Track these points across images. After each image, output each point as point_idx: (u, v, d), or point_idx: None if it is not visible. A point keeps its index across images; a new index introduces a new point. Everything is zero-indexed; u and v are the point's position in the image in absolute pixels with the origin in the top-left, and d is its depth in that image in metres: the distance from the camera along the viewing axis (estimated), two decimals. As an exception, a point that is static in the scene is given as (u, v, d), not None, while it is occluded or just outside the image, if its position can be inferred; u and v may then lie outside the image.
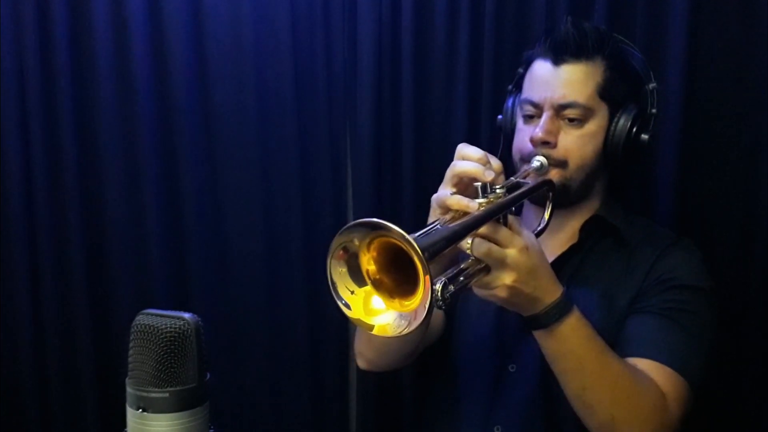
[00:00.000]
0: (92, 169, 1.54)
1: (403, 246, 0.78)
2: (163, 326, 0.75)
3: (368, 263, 0.85)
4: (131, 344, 0.77)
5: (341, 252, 0.83)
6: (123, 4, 1.48)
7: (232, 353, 1.61)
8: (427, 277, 0.77)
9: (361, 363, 1.29)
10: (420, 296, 0.80)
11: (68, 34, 1.48)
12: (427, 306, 0.78)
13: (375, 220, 0.80)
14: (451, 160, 1.08)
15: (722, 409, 1.43)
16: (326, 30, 1.55)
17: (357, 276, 0.85)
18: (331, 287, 0.85)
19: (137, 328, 0.76)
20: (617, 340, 1.12)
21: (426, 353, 1.30)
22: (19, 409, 1.56)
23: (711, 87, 1.40)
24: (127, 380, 0.77)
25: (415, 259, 0.77)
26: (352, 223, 0.81)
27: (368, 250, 0.84)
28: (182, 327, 0.76)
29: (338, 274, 0.84)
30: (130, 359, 0.77)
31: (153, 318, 0.76)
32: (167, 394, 0.75)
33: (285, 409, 1.64)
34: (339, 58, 1.57)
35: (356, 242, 0.83)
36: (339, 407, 1.68)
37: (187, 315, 0.77)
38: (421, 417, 1.36)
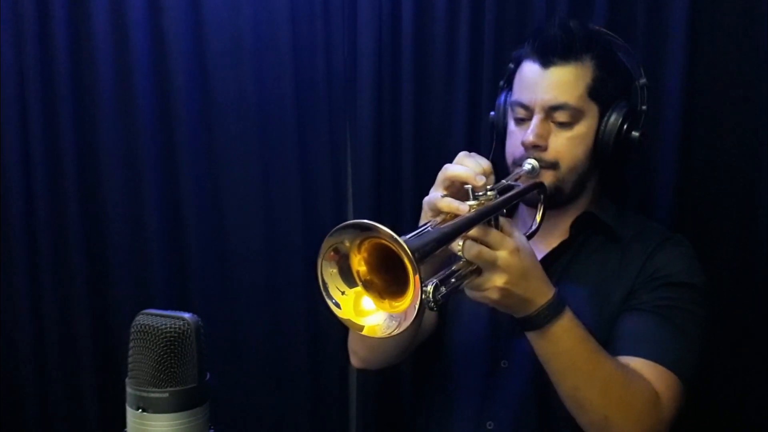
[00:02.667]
0: (92, 169, 1.54)
1: (392, 247, 0.78)
2: (163, 326, 0.75)
3: (359, 264, 0.85)
4: (131, 344, 0.77)
5: (332, 253, 0.84)
6: (123, 4, 1.48)
7: (232, 353, 1.61)
8: (417, 277, 0.77)
9: (355, 361, 1.29)
10: (410, 297, 0.80)
11: (68, 35, 1.48)
12: (417, 306, 0.78)
13: (365, 221, 0.80)
14: (451, 159, 1.08)
15: (721, 407, 1.43)
16: (326, 30, 1.55)
17: (348, 277, 0.85)
18: (321, 287, 0.85)
19: (137, 328, 0.76)
20: (610, 336, 1.12)
21: (421, 349, 1.30)
22: (19, 409, 1.56)
23: (711, 87, 1.40)
24: (127, 380, 0.77)
25: (405, 259, 0.77)
26: (342, 224, 0.81)
27: (359, 251, 0.84)
28: (182, 327, 0.76)
29: (329, 275, 0.84)
30: (129, 359, 0.77)
31: (153, 318, 0.76)
32: (167, 394, 0.75)
33: (285, 409, 1.64)
34: (339, 58, 1.57)
35: (347, 243, 0.83)
36: (339, 407, 1.68)
37: (187, 315, 0.77)
38: (416, 412, 1.36)
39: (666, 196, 1.43)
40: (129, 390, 0.77)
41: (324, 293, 0.85)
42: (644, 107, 1.21)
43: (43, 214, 1.51)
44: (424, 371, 1.33)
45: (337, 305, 0.85)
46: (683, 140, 1.40)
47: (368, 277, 0.85)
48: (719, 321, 1.39)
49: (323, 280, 0.84)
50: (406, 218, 1.55)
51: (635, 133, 1.18)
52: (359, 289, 0.85)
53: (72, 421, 1.57)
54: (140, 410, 0.76)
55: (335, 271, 0.84)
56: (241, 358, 1.62)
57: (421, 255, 0.81)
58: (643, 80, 1.22)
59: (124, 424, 0.78)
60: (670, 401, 1.07)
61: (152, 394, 0.75)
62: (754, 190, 1.39)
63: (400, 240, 0.77)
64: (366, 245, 0.84)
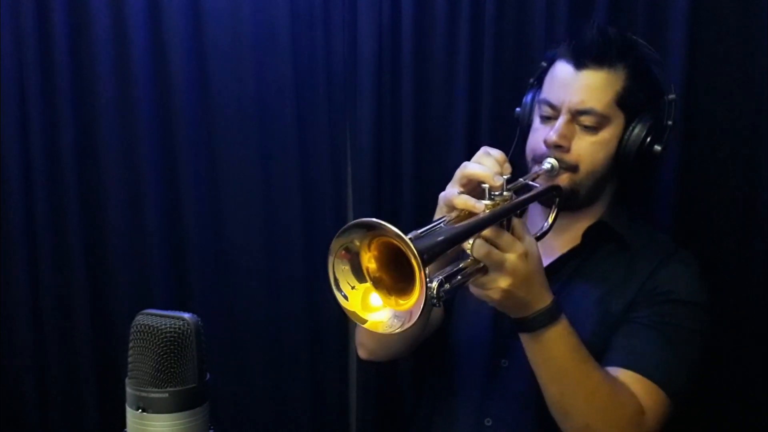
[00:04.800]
0: (92, 169, 1.54)
1: (401, 247, 0.79)
2: (163, 326, 0.75)
3: (369, 261, 0.86)
4: (131, 344, 0.77)
5: (343, 252, 0.85)
6: (123, 4, 1.48)
7: (232, 353, 1.61)
8: (423, 277, 0.78)
9: (362, 353, 1.30)
10: (416, 297, 0.80)
11: (68, 34, 1.48)
12: (421, 307, 0.79)
13: (372, 220, 0.81)
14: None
15: (722, 412, 1.43)
16: (326, 30, 1.55)
17: (358, 273, 0.86)
18: (332, 282, 0.86)
19: (137, 328, 0.76)
20: (606, 346, 1.13)
21: (425, 344, 1.30)
22: (19, 409, 1.56)
23: (711, 87, 1.40)
24: (127, 380, 0.77)
25: (412, 260, 0.78)
26: (350, 223, 0.82)
27: (369, 249, 0.85)
28: (182, 327, 0.76)
29: (341, 271, 0.86)
30: (129, 359, 0.77)
31: (153, 318, 0.76)
32: (167, 395, 0.75)
33: (285, 409, 1.64)
34: (339, 58, 1.57)
35: (356, 242, 0.84)
36: (339, 406, 1.68)
37: (187, 315, 0.77)
38: (418, 409, 1.37)
39: (666, 201, 1.42)
40: (129, 390, 0.77)
41: (334, 287, 0.86)
42: (670, 122, 1.20)
43: (43, 214, 1.51)
44: (428, 366, 1.34)
45: (346, 298, 0.86)
46: (683, 145, 1.40)
47: (378, 274, 0.86)
48: (720, 326, 1.39)
49: (335, 277, 0.85)
50: (406, 218, 1.55)
51: (657, 147, 1.17)
52: (368, 285, 0.86)
53: (72, 421, 1.57)
54: (140, 410, 0.76)
55: (347, 267, 0.86)
56: (241, 358, 1.62)
57: (430, 256, 0.82)
58: (672, 96, 1.21)
59: (124, 424, 0.78)
60: (655, 417, 1.07)
61: (152, 394, 0.75)
62: (755, 192, 1.39)
63: (408, 241, 0.78)
64: (376, 243, 0.85)
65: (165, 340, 0.75)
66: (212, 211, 1.59)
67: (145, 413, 0.76)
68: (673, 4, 1.39)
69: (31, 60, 1.47)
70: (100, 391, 1.56)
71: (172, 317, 0.77)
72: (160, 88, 1.52)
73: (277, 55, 1.55)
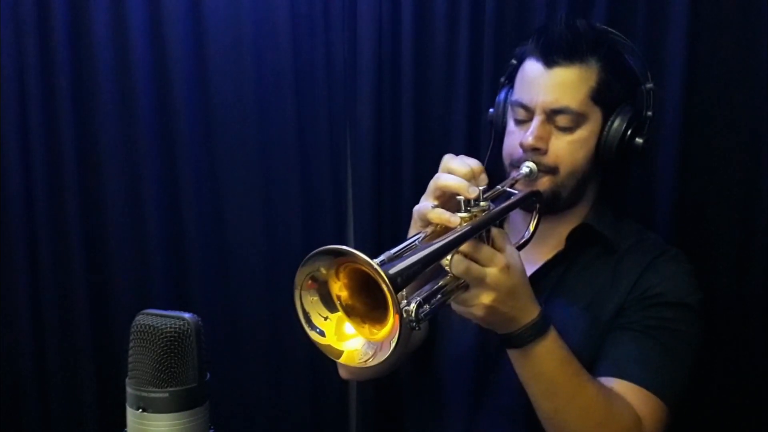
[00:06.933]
0: (92, 169, 1.54)
1: (371, 274, 0.75)
2: (163, 326, 0.75)
3: (339, 290, 0.81)
4: (131, 344, 0.77)
5: (310, 282, 0.80)
6: (123, 4, 1.48)
7: (232, 353, 1.61)
8: (395, 301, 0.73)
9: (343, 373, 1.26)
10: (388, 328, 0.76)
11: (68, 35, 1.48)
12: (396, 337, 0.75)
13: (340, 247, 0.76)
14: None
15: (722, 412, 1.43)
16: (326, 30, 1.55)
17: (329, 302, 0.82)
18: (302, 318, 0.81)
19: (137, 328, 0.77)
20: (598, 354, 1.10)
21: (414, 357, 1.27)
22: (19, 409, 1.56)
23: (711, 89, 1.39)
24: (127, 380, 0.77)
25: (384, 288, 0.73)
26: (315, 251, 0.78)
27: (338, 277, 0.81)
28: (182, 327, 0.76)
29: (310, 303, 0.81)
30: (130, 359, 0.77)
31: (153, 318, 0.77)
32: (167, 394, 0.75)
33: (285, 409, 1.64)
34: (339, 58, 1.57)
35: (323, 270, 0.80)
36: (339, 407, 1.68)
37: (187, 315, 0.77)
38: (407, 422, 1.34)
39: (665, 201, 1.42)
40: (129, 390, 0.77)
41: (306, 324, 0.82)
42: (649, 113, 1.17)
43: (43, 214, 1.51)
44: (416, 381, 1.30)
45: (322, 333, 0.82)
46: (683, 143, 1.39)
47: (350, 302, 0.82)
48: (719, 326, 1.39)
49: (304, 310, 0.81)
50: (405, 218, 1.53)
51: (639, 140, 1.14)
52: (340, 314, 0.82)
53: (72, 421, 1.57)
54: (140, 410, 0.76)
55: (316, 298, 0.81)
56: (241, 358, 1.62)
57: (404, 279, 0.77)
58: (649, 84, 1.17)
59: (124, 424, 0.78)
60: (654, 426, 1.04)
61: (152, 394, 0.75)
62: (755, 191, 1.39)
63: (378, 268, 0.73)
64: (345, 270, 0.80)
65: (165, 339, 0.75)
66: (212, 210, 1.59)
67: (145, 413, 0.76)
68: (673, 4, 1.39)
69: (31, 60, 1.47)
70: (100, 391, 1.56)
71: (173, 317, 0.77)
72: (160, 88, 1.52)
73: (277, 55, 1.55)
